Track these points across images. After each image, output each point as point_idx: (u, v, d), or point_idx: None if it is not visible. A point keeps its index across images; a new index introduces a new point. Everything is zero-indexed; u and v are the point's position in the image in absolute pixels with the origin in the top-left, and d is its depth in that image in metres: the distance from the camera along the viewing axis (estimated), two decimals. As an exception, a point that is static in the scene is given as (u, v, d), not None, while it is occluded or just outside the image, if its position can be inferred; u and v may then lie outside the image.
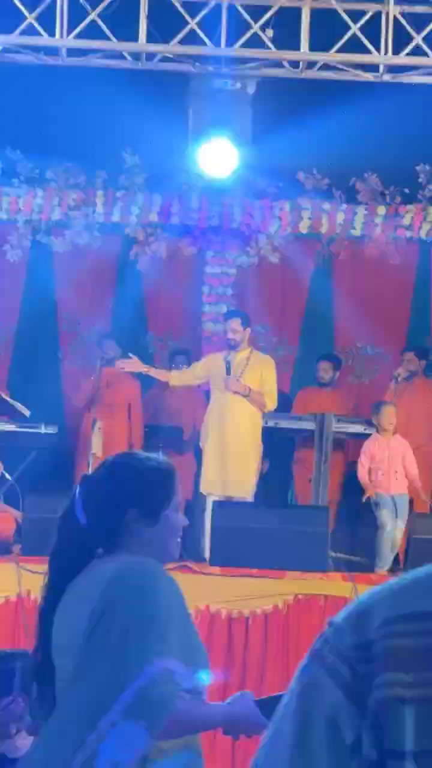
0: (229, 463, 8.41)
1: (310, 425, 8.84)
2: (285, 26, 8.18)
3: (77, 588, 2.74)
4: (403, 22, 8.18)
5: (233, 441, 8.41)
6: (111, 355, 9.43)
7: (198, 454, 9.68)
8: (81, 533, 2.80)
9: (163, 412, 9.64)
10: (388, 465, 8.33)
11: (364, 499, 8.39)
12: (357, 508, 9.84)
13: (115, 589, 2.65)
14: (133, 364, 8.88)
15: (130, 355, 8.95)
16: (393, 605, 1.15)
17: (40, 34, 8.13)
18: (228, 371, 8.46)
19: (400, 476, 8.32)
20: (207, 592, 6.62)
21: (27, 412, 9.02)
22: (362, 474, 8.42)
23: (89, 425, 9.02)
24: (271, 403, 8.56)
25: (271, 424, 8.69)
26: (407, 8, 8.23)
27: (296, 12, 8.16)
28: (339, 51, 8.20)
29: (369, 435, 9.42)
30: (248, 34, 8.15)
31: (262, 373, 8.58)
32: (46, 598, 2.82)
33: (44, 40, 8.15)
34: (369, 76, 8.40)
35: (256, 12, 8.20)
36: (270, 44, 8.15)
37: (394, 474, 8.32)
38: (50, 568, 2.81)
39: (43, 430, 9.19)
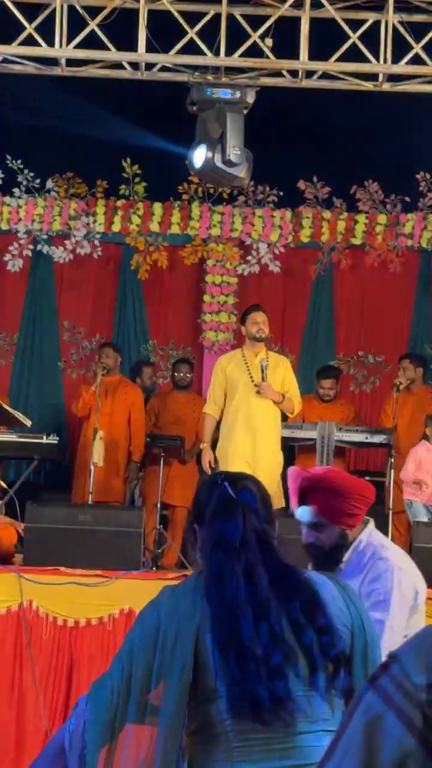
0: (257, 470, 7.78)
1: (311, 434, 8.84)
2: (284, 36, 8.19)
3: None
4: (402, 31, 8.19)
5: (261, 447, 7.97)
6: (110, 364, 9.43)
7: (200, 462, 9.68)
8: None
9: (165, 421, 9.64)
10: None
11: (389, 508, 8.33)
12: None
13: None
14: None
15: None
16: None
17: (39, 45, 8.14)
18: (264, 377, 7.99)
19: None
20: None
21: (28, 422, 9.01)
22: (407, 475, 8.37)
23: (90, 435, 9.02)
24: (298, 407, 8.25)
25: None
26: (406, 17, 8.24)
27: (295, 21, 8.17)
28: (338, 60, 8.21)
29: (371, 444, 9.42)
30: (247, 44, 8.15)
31: (284, 375, 8.19)
32: None
33: (43, 50, 8.16)
34: (368, 85, 8.40)
35: (255, 22, 8.21)
36: (269, 54, 8.15)
37: None
38: None
39: (44, 440, 9.19)
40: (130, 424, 9.39)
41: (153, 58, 8.23)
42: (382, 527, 8.62)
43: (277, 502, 7.75)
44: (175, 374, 9.84)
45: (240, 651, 2.50)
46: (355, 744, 1.11)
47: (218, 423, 8.19)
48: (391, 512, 8.35)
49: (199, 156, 8.24)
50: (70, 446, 10.31)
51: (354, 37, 8.15)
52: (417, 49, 8.19)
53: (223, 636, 2.52)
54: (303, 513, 3.68)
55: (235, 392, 8.08)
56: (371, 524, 3.77)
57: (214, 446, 8.11)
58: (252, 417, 7.98)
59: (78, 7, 8.18)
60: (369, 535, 3.73)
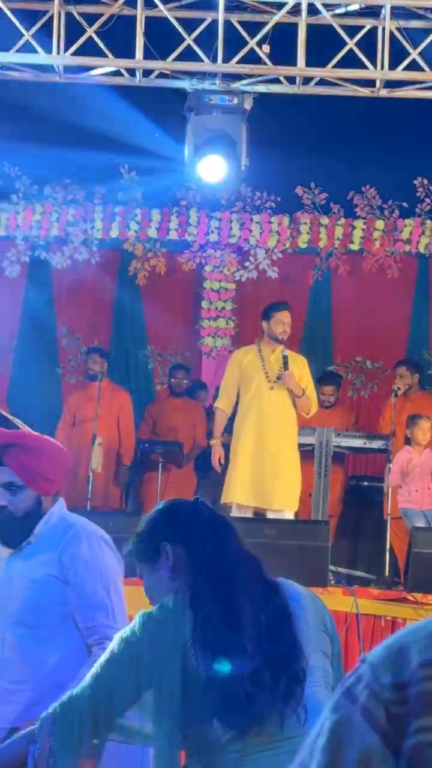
0: (268, 472, 7.54)
1: (309, 439, 8.84)
2: (281, 42, 8.21)
3: None
4: (400, 37, 8.21)
5: (272, 448, 7.60)
6: (97, 370, 9.45)
7: (199, 468, 9.68)
8: None
9: (163, 427, 9.64)
10: (421, 481, 8.32)
11: (388, 513, 8.32)
12: (357, 522, 9.84)
13: None
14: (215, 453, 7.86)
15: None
16: (430, 647, 1.12)
17: (36, 52, 8.16)
18: (286, 366, 7.62)
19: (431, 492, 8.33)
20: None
21: (27, 429, 9.01)
22: (394, 479, 8.35)
23: (85, 441, 9.02)
24: (315, 407, 7.92)
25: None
26: (403, 23, 8.26)
27: (293, 28, 8.18)
28: (335, 66, 8.22)
29: (369, 449, 9.42)
30: (245, 50, 8.17)
31: (300, 374, 7.82)
32: None
33: (41, 57, 8.17)
34: (366, 91, 8.41)
35: (253, 28, 8.23)
36: (266, 60, 8.17)
37: (428, 491, 8.30)
38: None
39: (43, 446, 9.20)
40: (119, 429, 9.36)
41: (150, 64, 8.24)
42: (381, 533, 8.67)
43: (293, 506, 7.70)
44: (172, 380, 9.86)
45: (227, 666, 2.49)
46: (322, 742, 1.13)
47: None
48: (389, 518, 8.35)
49: (215, 168, 8.21)
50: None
51: (351, 44, 8.16)
52: (414, 55, 8.21)
53: (211, 653, 2.51)
54: None
55: (248, 388, 7.74)
56: (63, 501, 3.64)
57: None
58: (265, 415, 7.64)
59: (75, 14, 8.20)
60: (61, 509, 3.58)
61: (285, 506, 7.60)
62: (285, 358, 7.66)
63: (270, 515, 7.59)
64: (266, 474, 7.53)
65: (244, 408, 7.72)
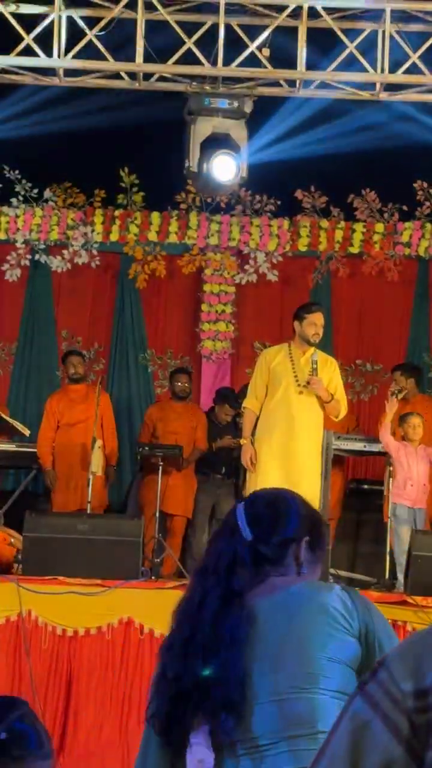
0: (291, 478, 7.26)
1: (309, 443, 8.83)
2: (281, 45, 8.22)
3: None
4: (399, 40, 8.22)
5: (299, 452, 7.41)
6: (80, 372, 9.46)
7: (199, 472, 9.67)
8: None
9: (163, 430, 9.63)
10: (417, 478, 8.34)
11: (389, 516, 8.32)
12: (357, 525, 9.84)
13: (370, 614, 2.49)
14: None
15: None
16: None
17: (37, 55, 8.16)
18: (315, 371, 7.43)
19: (426, 489, 8.35)
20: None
21: (27, 432, 9.02)
22: (386, 439, 8.36)
23: (74, 444, 9.03)
24: (345, 410, 7.70)
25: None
26: (403, 27, 8.27)
27: (292, 31, 8.19)
28: (335, 70, 8.23)
29: (369, 453, 9.44)
30: (245, 54, 8.18)
31: (331, 376, 7.61)
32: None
33: (42, 60, 8.18)
34: (365, 95, 8.42)
35: (253, 31, 8.24)
36: (266, 63, 8.18)
37: (423, 488, 8.33)
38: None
39: (43, 449, 9.20)
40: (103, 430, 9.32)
41: (151, 68, 8.25)
42: (381, 536, 8.67)
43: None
44: (176, 384, 9.80)
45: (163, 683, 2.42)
46: (342, 750, 1.11)
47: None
48: (390, 521, 8.35)
49: (226, 168, 8.21)
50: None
51: (351, 47, 8.17)
52: (414, 58, 8.22)
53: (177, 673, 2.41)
54: None
55: (276, 390, 7.52)
56: None
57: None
58: (292, 419, 7.43)
59: (76, 18, 8.21)
60: None
61: None
62: (315, 362, 7.45)
63: None
64: (291, 480, 7.22)
65: (271, 410, 7.51)
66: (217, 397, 9.98)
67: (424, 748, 1.08)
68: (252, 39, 8.18)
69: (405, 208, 10.51)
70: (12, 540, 7.69)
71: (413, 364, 10.12)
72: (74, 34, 8.17)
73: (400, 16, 8.27)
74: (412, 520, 8.25)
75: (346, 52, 8.16)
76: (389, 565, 8.12)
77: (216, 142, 8.20)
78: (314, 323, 7.58)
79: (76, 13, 8.22)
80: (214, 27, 8.17)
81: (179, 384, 9.75)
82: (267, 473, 7.36)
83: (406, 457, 8.37)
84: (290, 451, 7.40)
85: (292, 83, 8.39)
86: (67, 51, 8.17)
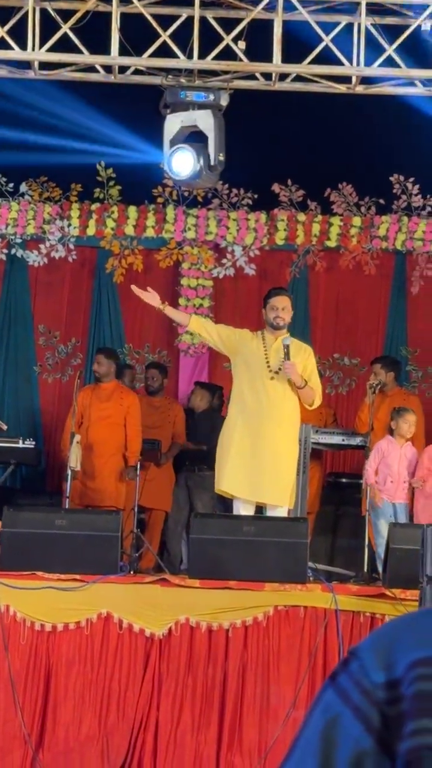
0: (263, 464, 7.21)
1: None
2: (257, 38, 8.20)
3: None
4: (375, 33, 8.21)
5: (270, 438, 7.27)
6: (101, 371, 9.37)
7: (177, 466, 9.67)
8: None
9: (142, 425, 9.61)
10: (398, 474, 8.34)
11: (367, 510, 8.33)
12: (336, 518, 9.86)
13: None
14: (151, 297, 7.55)
15: (149, 288, 7.67)
16: (422, 643, 1.09)
17: (11, 48, 8.12)
18: (287, 355, 7.26)
19: (406, 485, 8.36)
20: (186, 605, 6.60)
21: (5, 427, 8.99)
22: (370, 477, 8.34)
23: (89, 441, 9.00)
24: (319, 400, 7.55)
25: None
26: (378, 20, 8.27)
27: (268, 24, 8.18)
28: (311, 63, 8.22)
29: (347, 446, 9.44)
30: (220, 47, 8.16)
31: (305, 364, 7.47)
32: None
33: (16, 53, 8.14)
34: (342, 88, 8.42)
35: (228, 24, 8.22)
36: (242, 56, 8.16)
37: (403, 484, 8.34)
38: None
39: (20, 444, 9.16)
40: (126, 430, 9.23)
41: (126, 61, 8.22)
42: (359, 529, 8.69)
43: (289, 502, 7.57)
44: (147, 378, 9.90)
45: None
46: (313, 742, 1.10)
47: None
48: (368, 514, 8.37)
49: (184, 162, 8.17)
50: (46, 451, 10.29)
51: (327, 40, 8.16)
52: (389, 51, 8.21)
53: None
54: None
55: (245, 374, 7.42)
56: None
57: None
58: (264, 404, 7.31)
59: (50, 11, 8.17)
60: None
61: (281, 502, 7.34)
62: (287, 347, 7.27)
63: (269, 511, 7.45)
64: (264, 467, 7.25)
65: (242, 395, 7.40)
66: (194, 387, 10.08)
67: (396, 740, 1.07)
68: (228, 32, 8.16)
69: (382, 201, 10.52)
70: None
71: (393, 357, 10.14)
72: (49, 27, 8.13)
73: (376, 9, 8.27)
74: (392, 514, 8.26)
75: (322, 45, 8.15)
76: (368, 559, 8.13)
77: (188, 136, 8.16)
78: (275, 307, 7.45)
79: (51, 6, 8.17)
80: (190, 20, 8.15)
81: (148, 379, 9.82)
82: (237, 460, 7.29)
83: (389, 455, 8.38)
84: (263, 438, 7.28)
85: (268, 76, 8.37)
86: (41, 44, 8.12)
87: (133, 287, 7.68)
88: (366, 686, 1.09)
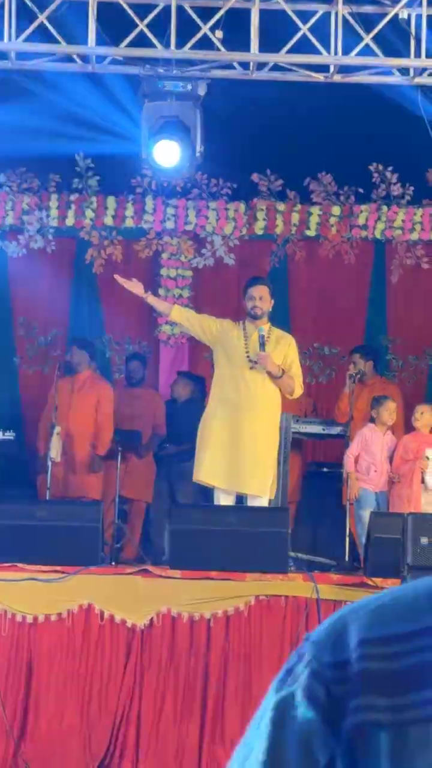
0: (242, 454, 7.23)
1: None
2: (234, 28, 8.18)
3: None
4: (352, 22, 8.20)
5: (249, 428, 7.28)
6: (75, 362, 9.38)
7: (159, 459, 9.66)
8: None
9: (122, 416, 9.60)
10: (381, 463, 8.36)
11: (348, 500, 8.35)
12: (316, 508, 9.87)
13: None
14: (135, 286, 7.63)
15: (133, 279, 7.77)
16: (371, 625, 1.10)
17: (-12, 38, 8.08)
18: (262, 346, 7.28)
19: (387, 474, 8.39)
20: (168, 595, 6.60)
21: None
22: (350, 464, 8.36)
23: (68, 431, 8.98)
24: (299, 389, 7.55)
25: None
26: (356, 8, 8.25)
27: (245, 13, 8.16)
28: (289, 52, 8.20)
29: (328, 435, 9.45)
30: (198, 36, 8.13)
31: (286, 353, 7.47)
32: None
33: (-7, 44, 8.09)
34: (319, 77, 8.41)
35: (206, 13, 8.20)
36: (220, 46, 8.14)
37: (386, 472, 8.36)
38: None
39: (1, 435, 9.14)
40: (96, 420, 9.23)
41: (103, 50, 8.19)
42: (340, 519, 8.70)
43: (270, 492, 7.58)
44: (129, 370, 9.91)
45: None
46: (264, 723, 1.12)
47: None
48: (348, 504, 8.38)
49: (169, 153, 8.15)
50: (27, 442, 10.26)
51: (304, 29, 8.15)
52: (367, 40, 8.21)
53: None
54: None
55: (225, 364, 7.45)
56: None
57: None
58: (243, 394, 7.33)
59: (27, 1, 8.12)
60: None
61: (261, 492, 7.35)
62: (261, 337, 7.28)
63: (250, 502, 7.45)
64: (243, 457, 7.25)
65: (222, 384, 7.43)
66: (176, 377, 10.10)
67: (340, 717, 1.08)
68: (205, 21, 8.14)
69: (361, 190, 10.52)
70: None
71: (372, 346, 10.15)
72: (25, 16, 8.09)
73: (353, -2, 8.26)
74: (375, 504, 8.28)
75: (300, 34, 8.13)
76: (349, 548, 8.15)
77: (167, 126, 8.14)
78: (252, 296, 7.49)
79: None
80: (167, 9, 8.12)
81: (130, 371, 9.86)
82: (216, 450, 7.28)
83: (372, 443, 8.39)
84: (242, 427, 7.29)
85: (245, 66, 8.36)
86: (18, 34, 8.08)
87: (117, 276, 7.76)
88: (315, 667, 1.10)
